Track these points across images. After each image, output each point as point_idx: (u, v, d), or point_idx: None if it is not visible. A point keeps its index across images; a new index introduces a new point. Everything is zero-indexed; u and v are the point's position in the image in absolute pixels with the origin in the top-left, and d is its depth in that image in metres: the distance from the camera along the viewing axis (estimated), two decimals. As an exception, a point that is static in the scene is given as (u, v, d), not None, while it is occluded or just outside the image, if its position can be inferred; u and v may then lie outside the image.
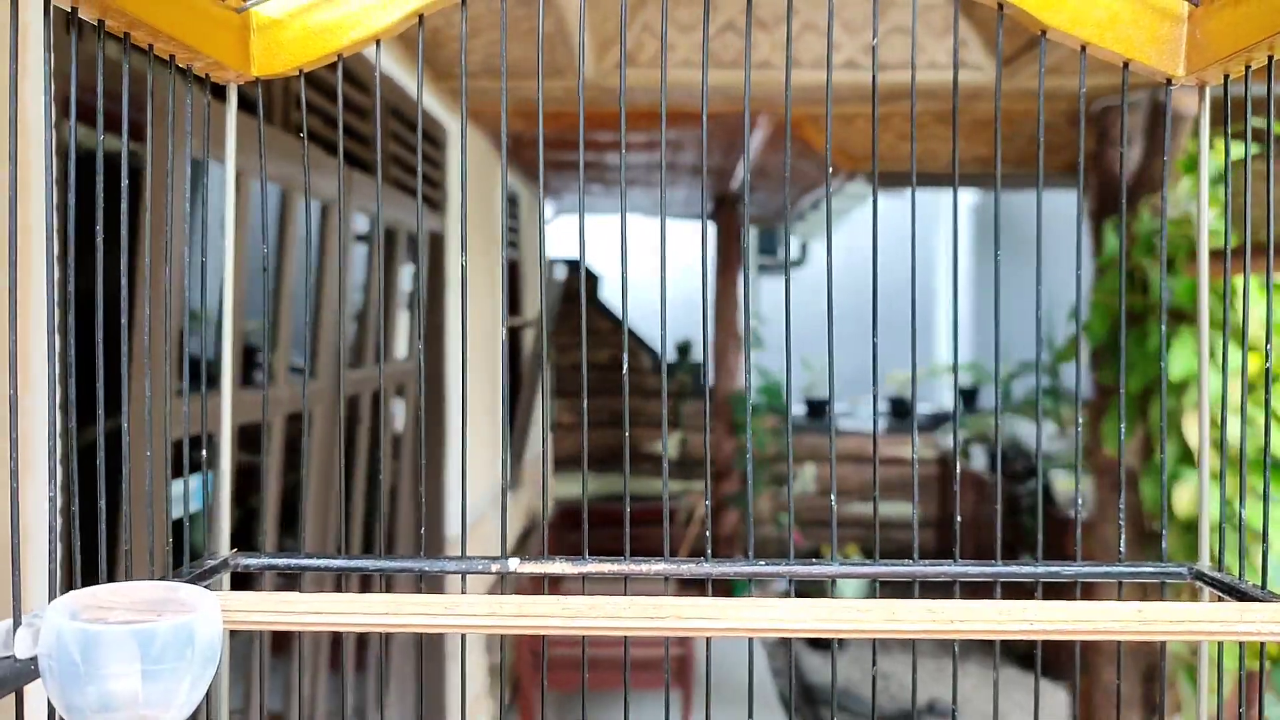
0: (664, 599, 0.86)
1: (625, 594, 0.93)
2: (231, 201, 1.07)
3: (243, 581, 1.24)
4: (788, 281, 1.04)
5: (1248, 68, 0.94)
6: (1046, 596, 1.03)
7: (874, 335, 1.02)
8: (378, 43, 1.03)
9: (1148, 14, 0.99)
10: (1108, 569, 1.03)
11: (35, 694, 0.74)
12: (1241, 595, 0.94)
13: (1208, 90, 1.03)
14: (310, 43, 1.02)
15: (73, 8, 0.80)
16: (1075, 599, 0.96)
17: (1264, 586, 0.94)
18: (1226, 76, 0.97)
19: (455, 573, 1.04)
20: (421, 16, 1.02)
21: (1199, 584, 1.02)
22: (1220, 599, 0.97)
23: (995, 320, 1.04)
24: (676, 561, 1.05)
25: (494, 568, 1.03)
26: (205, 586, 0.93)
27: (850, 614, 0.84)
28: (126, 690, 0.70)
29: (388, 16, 1.02)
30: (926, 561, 1.04)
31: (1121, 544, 1.07)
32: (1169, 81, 1.01)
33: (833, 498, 0.98)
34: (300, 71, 1.04)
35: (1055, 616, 0.84)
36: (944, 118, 4.25)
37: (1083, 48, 1.01)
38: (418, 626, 0.86)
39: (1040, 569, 1.03)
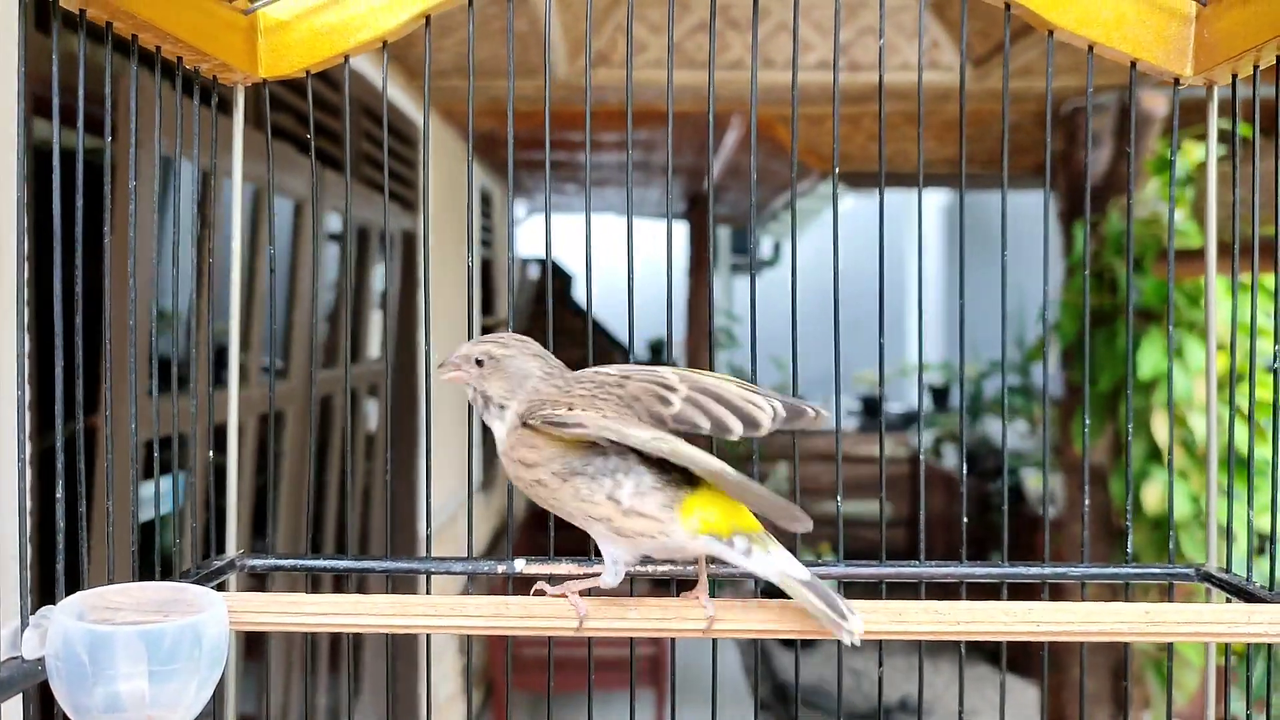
0: (669, 600, 0.86)
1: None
2: (237, 205, 1.07)
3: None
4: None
5: (1256, 67, 0.94)
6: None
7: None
8: (384, 44, 1.03)
9: (1155, 14, 0.98)
10: (1115, 570, 1.02)
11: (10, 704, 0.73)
12: (1249, 596, 0.94)
13: (1215, 90, 1.02)
14: (317, 44, 1.02)
15: (80, 10, 0.80)
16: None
17: (1272, 588, 0.94)
18: (1235, 76, 0.97)
19: (460, 573, 1.04)
20: (428, 18, 1.02)
21: (1207, 585, 1.02)
22: (1228, 600, 0.97)
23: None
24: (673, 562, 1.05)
25: (500, 569, 1.03)
26: (213, 587, 0.92)
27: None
28: (134, 691, 0.69)
29: (394, 18, 1.01)
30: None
31: (1129, 545, 1.05)
32: (1177, 81, 1.00)
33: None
34: (308, 73, 1.03)
35: (1063, 618, 0.83)
36: (914, 119, 4.27)
37: (1090, 47, 1.00)
38: (424, 627, 0.86)
39: (1046, 570, 1.02)
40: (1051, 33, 1.00)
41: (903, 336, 9.39)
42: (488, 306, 5.65)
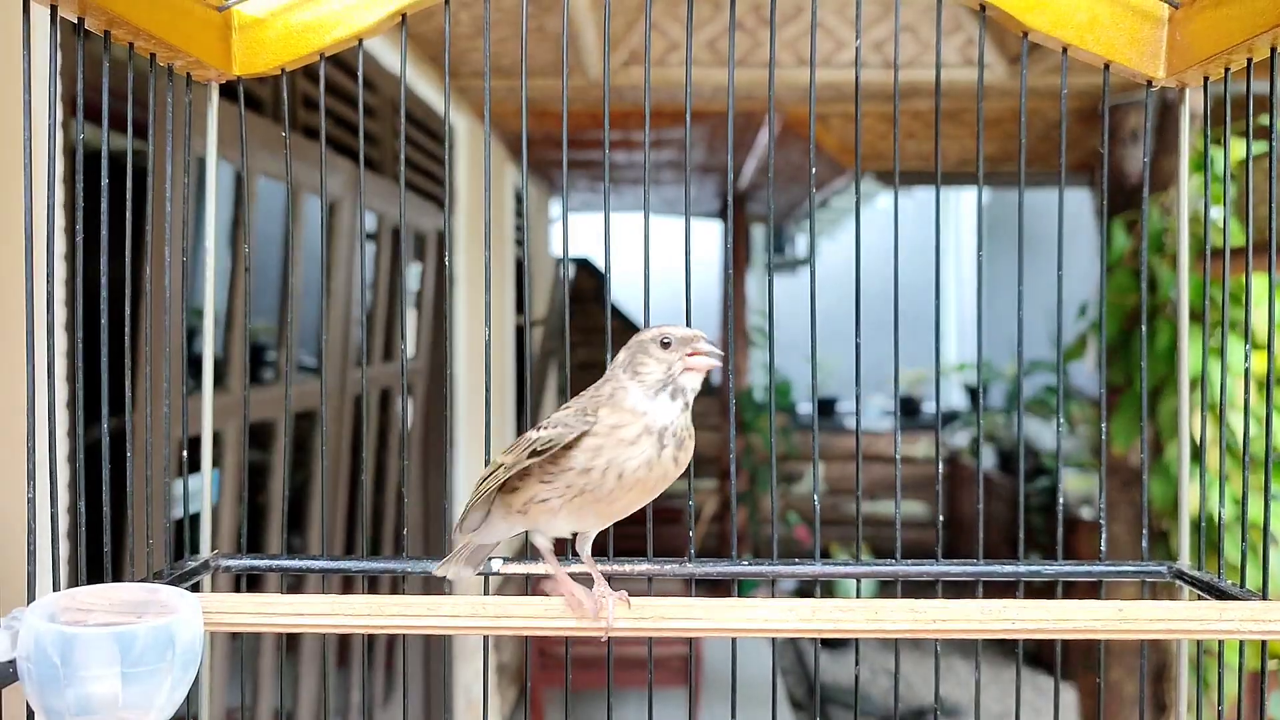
0: (646, 600, 0.86)
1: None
2: (212, 196, 1.07)
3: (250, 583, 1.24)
4: (771, 281, 1.04)
5: (1227, 70, 0.94)
6: (1027, 595, 1.04)
7: (856, 336, 1.02)
8: (360, 41, 1.03)
9: (1128, 16, 0.99)
10: (1089, 568, 1.04)
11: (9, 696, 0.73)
12: (1221, 594, 0.94)
13: (1188, 92, 1.03)
14: (292, 42, 1.02)
15: (51, 6, 0.80)
16: (1057, 598, 0.96)
17: (1265, 589, 0.94)
18: (1206, 79, 0.97)
19: (440, 575, 1.04)
20: (404, 16, 1.02)
21: (1179, 583, 1.03)
22: (1200, 598, 0.98)
23: (978, 320, 1.03)
24: (659, 561, 1.05)
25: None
26: (187, 588, 0.93)
27: (833, 614, 0.84)
28: (106, 693, 0.69)
29: (370, 16, 1.01)
30: (910, 561, 1.06)
31: (1103, 543, 1.07)
32: (1149, 84, 1.01)
33: (815, 498, 0.98)
34: (283, 70, 1.03)
35: (1036, 616, 0.84)
36: (950, 116, 4.24)
37: (1064, 49, 1.01)
38: (399, 628, 0.86)
39: (1021, 568, 1.04)
40: (1026, 34, 1.01)
41: (937, 336, 9.33)
42: (521, 305, 5.67)
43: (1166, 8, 0.98)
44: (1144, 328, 1.02)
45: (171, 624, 0.72)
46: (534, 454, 0.84)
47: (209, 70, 1.00)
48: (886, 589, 1.01)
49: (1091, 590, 1.03)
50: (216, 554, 1.05)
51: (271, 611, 0.84)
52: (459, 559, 0.95)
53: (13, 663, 0.71)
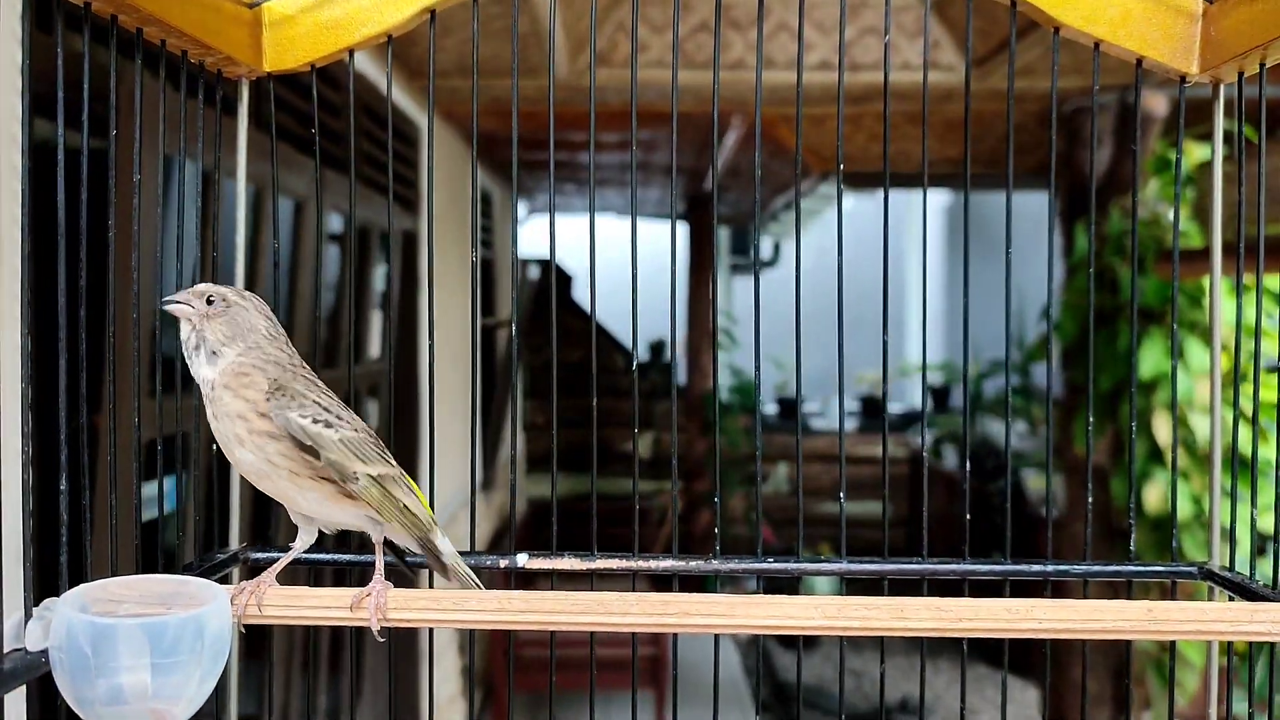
0: (670, 595, 0.86)
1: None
2: (241, 201, 1.07)
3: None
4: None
5: (1263, 65, 0.93)
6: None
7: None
8: (389, 39, 1.03)
9: (1161, 11, 0.98)
10: (1119, 568, 1.02)
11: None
12: (1251, 595, 0.93)
13: (1222, 88, 1.01)
14: (322, 38, 1.02)
15: (85, 2, 0.80)
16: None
17: (1275, 586, 0.94)
18: (1241, 74, 0.96)
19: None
20: (433, 13, 1.02)
21: (1209, 584, 1.01)
22: (1231, 599, 0.96)
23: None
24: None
25: (503, 563, 1.03)
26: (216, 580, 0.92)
27: (859, 612, 0.82)
28: (137, 683, 0.69)
29: (399, 13, 1.01)
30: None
31: (1132, 543, 1.05)
32: (1183, 79, 1.00)
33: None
34: (312, 67, 1.03)
35: (1065, 616, 0.82)
36: (916, 119, 4.27)
37: (1096, 45, 1.00)
38: (428, 621, 0.86)
39: (1049, 568, 1.02)
40: (1057, 30, 1.00)
41: (902, 337, 9.38)
42: (488, 307, 5.65)
43: (1201, 2, 0.96)
44: (1177, 333, 1.03)
45: (201, 615, 0.73)
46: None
47: (240, 67, 1.00)
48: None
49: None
50: (244, 547, 1.05)
51: (298, 604, 0.84)
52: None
53: (45, 652, 0.72)
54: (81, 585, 0.75)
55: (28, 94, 0.75)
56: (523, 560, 1.03)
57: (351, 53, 1.03)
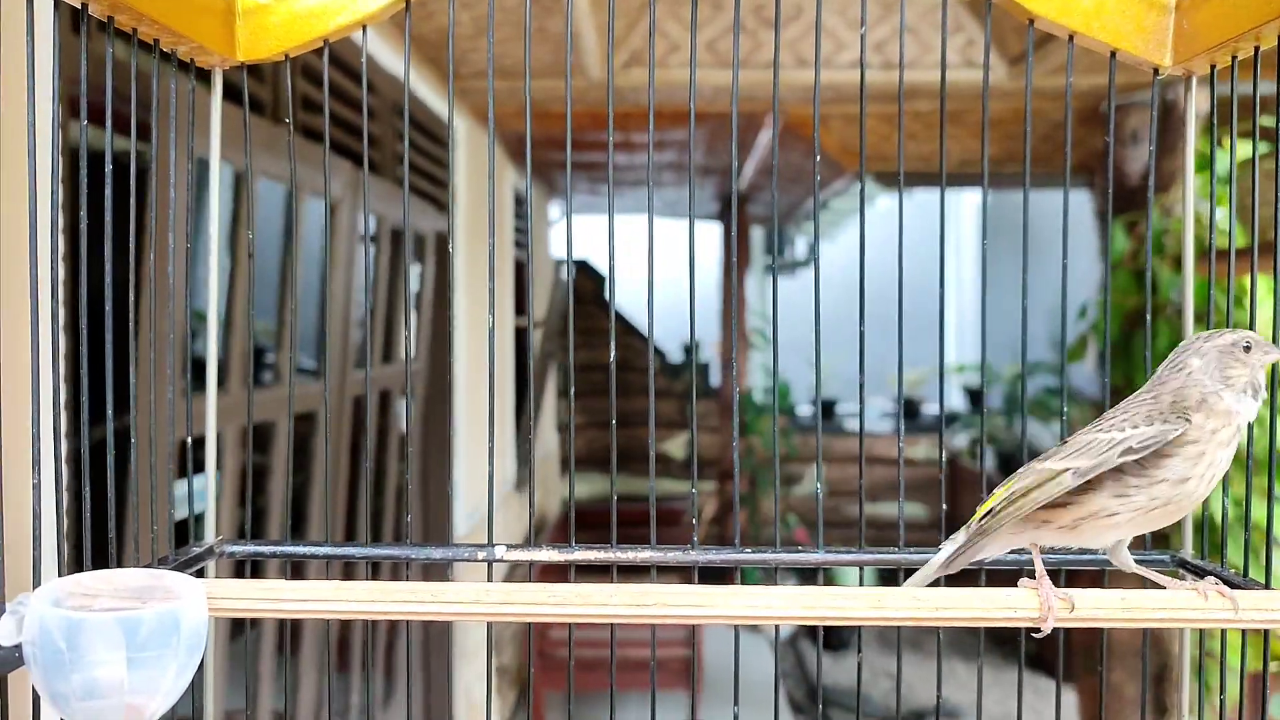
0: (649, 586, 0.85)
1: (613, 583, 0.93)
2: (215, 192, 1.07)
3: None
4: (775, 283, 1.04)
5: (1234, 59, 0.94)
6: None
7: (861, 335, 1.01)
8: (364, 29, 1.02)
9: (1134, 3, 0.98)
10: (1094, 557, 1.03)
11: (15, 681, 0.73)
12: (1225, 584, 0.94)
13: (1194, 81, 1.02)
14: (296, 27, 1.01)
15: None
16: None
17: (1268, 579, 0.93)
18: (1213, 67, 0.96)
19: (441, 561, 1.03)
20: (409, 2, 1.01)
21: (1182, 571, 1.03)
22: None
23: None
24: (662, 549, 1.04)
25: (480, 555, 1.03)
26: (192, 574, 0.92)
27: (836, 601, 0.83)
28: (112, 677, 0.69)
29: (374, 2, 1.01)
30: (911, 549, 1.05)
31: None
32: (1156, 72, 1.01)
33: (818, 487, 0.98)
34: (287, 57, 1.03)
35: (1037, 604, 0.83)
36: (954, 117, 4.24)
37: (1070, 37, 1.01)
38: (403, 614, 0.84)
39: (1024, 557, 1.03)
40: (1032, 21, 1.01)
41: (935, 338, 9.33)
42: (520, 307, 5.66)
43: (1173, -7, 0.97)
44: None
45: (177, 609, 0.73)
46: (1127, 452, 0.84)
47: (212, 56, 1.00)
48: (890, 579, 1.00)
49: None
50: (220, 540, 1.05)
51: (276, 596, 0.83)
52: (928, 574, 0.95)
53: (19, 648, 0.71)
54: (55, 580, 0.75)
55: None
56: (500, 552, 1.02)
57: (326, 42, 1.02)
